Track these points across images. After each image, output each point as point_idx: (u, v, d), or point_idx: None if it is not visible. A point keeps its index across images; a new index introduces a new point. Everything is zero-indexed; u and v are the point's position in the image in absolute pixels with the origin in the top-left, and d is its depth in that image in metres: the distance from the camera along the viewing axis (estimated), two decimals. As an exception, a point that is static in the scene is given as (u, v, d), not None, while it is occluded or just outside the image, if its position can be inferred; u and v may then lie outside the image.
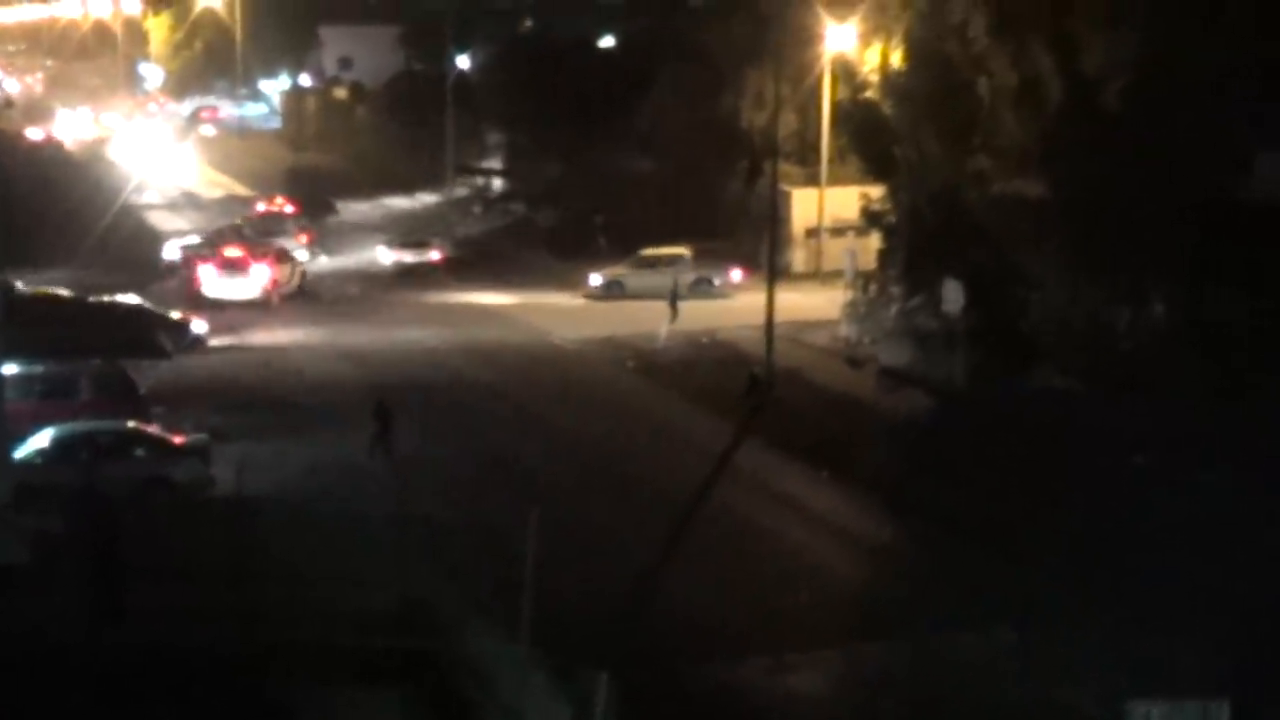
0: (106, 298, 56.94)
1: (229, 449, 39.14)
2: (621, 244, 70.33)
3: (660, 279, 64.66)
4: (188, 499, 36.36)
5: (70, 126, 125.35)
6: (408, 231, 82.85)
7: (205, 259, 65.72)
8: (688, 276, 64.97)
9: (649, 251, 67.73)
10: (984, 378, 47.01)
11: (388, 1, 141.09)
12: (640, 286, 65.44)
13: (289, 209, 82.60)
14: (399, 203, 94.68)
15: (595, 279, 66.92)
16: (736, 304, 61.51)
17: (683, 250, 67.40)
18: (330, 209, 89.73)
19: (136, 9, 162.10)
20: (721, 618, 30.23)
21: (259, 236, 72.00)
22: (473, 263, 76.16)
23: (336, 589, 29.55)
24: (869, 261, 57.31)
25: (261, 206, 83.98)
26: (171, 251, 71.26)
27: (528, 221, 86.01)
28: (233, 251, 66.09)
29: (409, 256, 75.82)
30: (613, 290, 66.23)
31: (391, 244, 77.50)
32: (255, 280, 64.03)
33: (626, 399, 49.05)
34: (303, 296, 66.37)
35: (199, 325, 55.77)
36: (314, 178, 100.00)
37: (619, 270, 67.27)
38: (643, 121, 78.82)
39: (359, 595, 29.28)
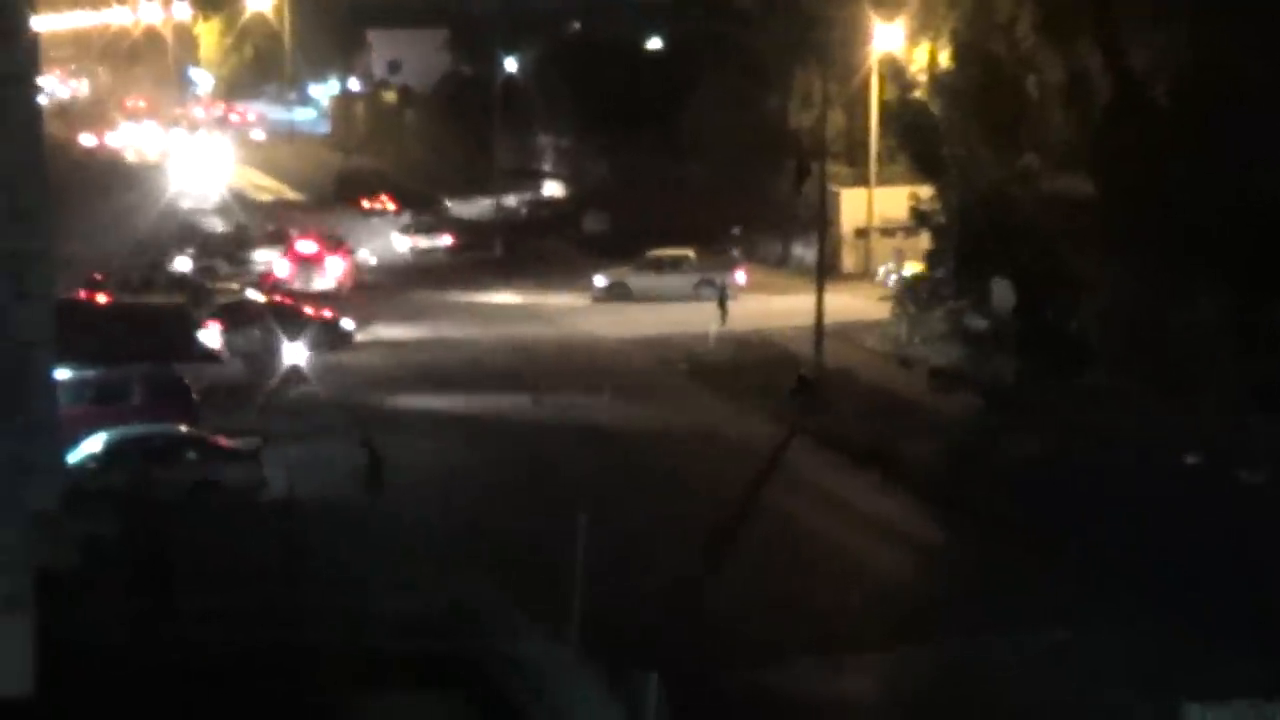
0: (153, 301, 57.38)
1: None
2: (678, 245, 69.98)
3: (665, 281, 64.76)
4: (239, 502, 36.46)
5: (133, 137, 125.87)
6: (422, 220, 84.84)
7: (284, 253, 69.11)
8: (691, 278, 64.92)
9: (655, 253, 67.65)
10: (1034, 378, 46.80)
11: (435, 5, 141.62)
12: (645, 288, 65.40)
13: (391, 207, 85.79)
14: (456, 206, 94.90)
15: (599, 281, 66.81)
16: (769, 306, 61.43)
17: (688, 252, 67.35)
18: (438, 206, 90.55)
19: (187, 15, 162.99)
20: (770, 619, 30.16)
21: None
22: (518, 263, 76.40)
23: (384, 592, 29.59)
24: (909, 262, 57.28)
25: (366, 205, 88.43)
26: (181, 264, 70.89)
27: (574, 223, 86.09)
28: (307, 245, 69.04)
29: (423, 241, 79.52)
30: (615, 292, 66.05)
31: (406, 230, 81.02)
32: (330, 272, 66.53)
33: (677, 400, 49.00)
34: (364, 290, 67.56)
35: (348, 322, 56.81)
36: (363, 182, 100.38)
37: (624, 272, 67.16)
38: (689, 123, 78.79)
39: (407, 598, 29.30)
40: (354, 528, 34.54)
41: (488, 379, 51.25)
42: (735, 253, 70.06)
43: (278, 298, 59.94)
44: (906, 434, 43.08)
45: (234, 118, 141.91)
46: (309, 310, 57.48)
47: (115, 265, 65.44)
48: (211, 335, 54.17)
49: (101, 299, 57.93)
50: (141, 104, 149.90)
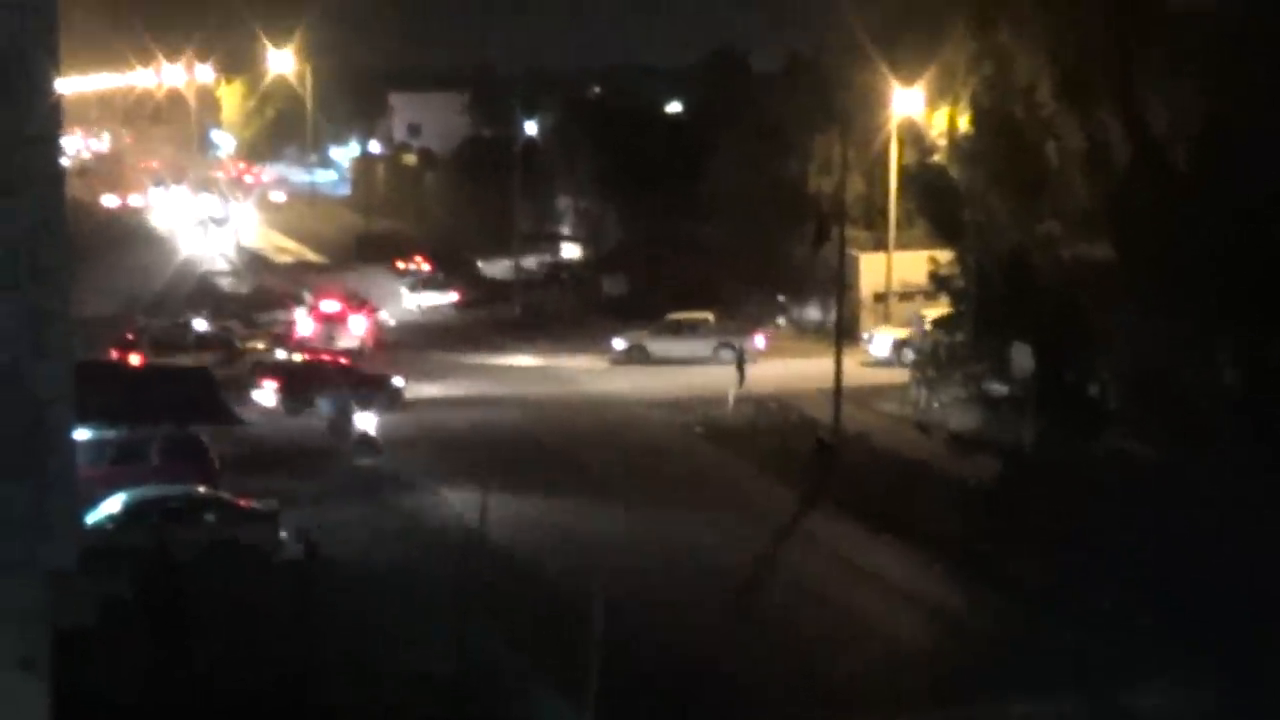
0: (175, 364, 57.56)
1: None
2: (689, 308, 70.14)
3: (683, 344, 64.88)
4: (256, 563, 36.46)
5: (161, 200, 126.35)
6: (428, 277, 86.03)
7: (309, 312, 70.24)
8: (709, 342, 65.03)
9: (673, 317, 67.75)
10: (1054, 442, 46.66)
11: (456, 68, 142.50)
12: (663, 351, 65.48)
13: (426, 267, 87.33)
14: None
15: (618, 343, 66.90)
16: (786, 370, 61.44)
17: (707, 315, 67.46)
18: (471, 267, 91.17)
19: (210, 77, 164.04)
20: (787, 683, 30.04)
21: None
22: (536, 324, 76.61)
23: (398, 652, 29.55)
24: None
25: (402, 265, 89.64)
26: (200, 323, 70.91)
27: (595, 286, 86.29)
28: (330, 304, 70.25)
29: (430, 298, 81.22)
30: (634, 355, 66.12)
31: (413, 287, 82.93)
32: (354, 330, 67.23)
33: (694, 463, 48.94)
34: (385, 349, 67.98)
35: (398, 380, 57.01)
36: (384, 244, 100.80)
37: (642, 335, 67.23)
38: (708, 187, 79.02)
39: (421, 658, 29.27)
40: (373, 588, 34.50)
41: (534, 453, 50.51)
42: (778, 318, 70.35)
43: (329, 356, 60.82)
44: (925, 498, 42.97)
45: (248, 179, 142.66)
46: (363, 368, 58.25)
47: (143, 325, 65.67)
48: (266, 395, 54.66)
49: (134, 359, 58.39)
50: (155, 164, 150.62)
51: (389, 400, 54.93)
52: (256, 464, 46.18)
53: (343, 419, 49.81)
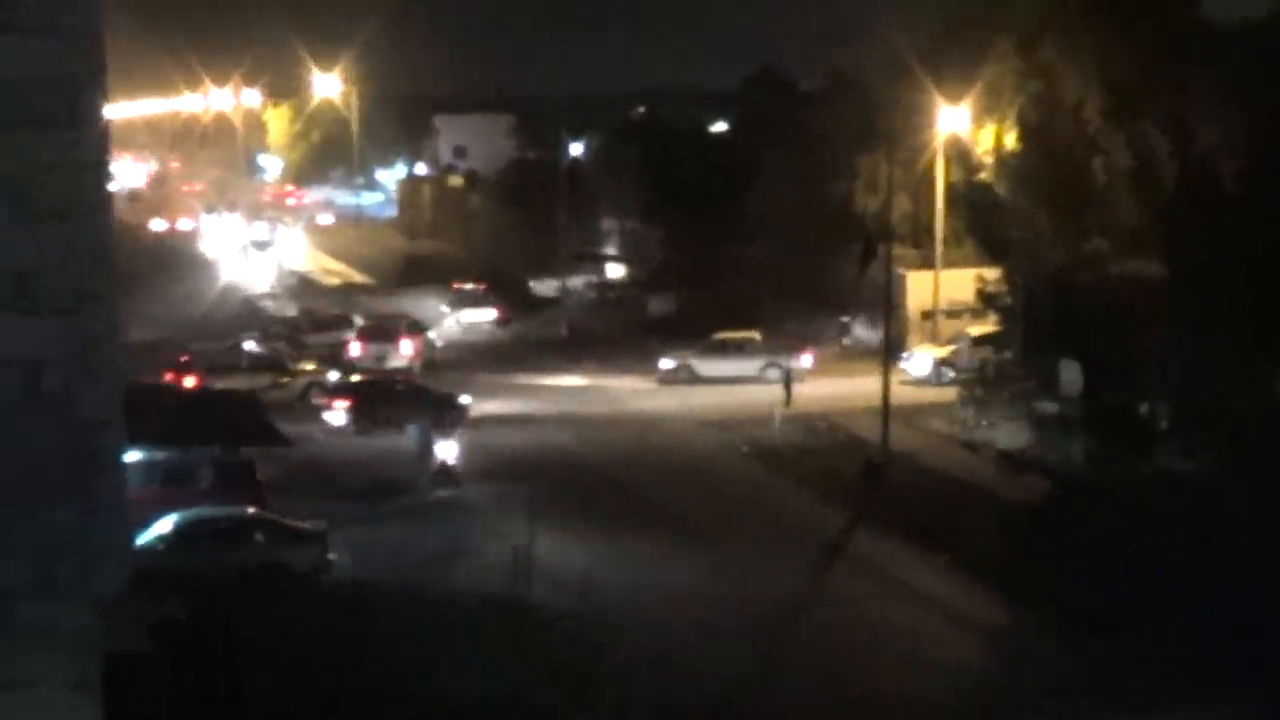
0: (222, 386, 57.90)
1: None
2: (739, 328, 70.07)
3: (730, 364, 64.78)
4: (305, 584, 36.54)
5: (209, 226, 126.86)
6: (469, 294, 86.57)
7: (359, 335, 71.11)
8: (757, 361, 64.91)
9: (720, 336, 67.64)
10: (1103, 461, 46.46)
11: (502, 91, 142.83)
12: (710, 371, 65.39)
13: (480, 287, 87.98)
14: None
15: (665, 363, 66.83)
16: (832, 389, 61.30)
17: (753, 335, 67.33)
18: (523, 287, 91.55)
19: (257, 101, 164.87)
20: (835, 706, 29.91)
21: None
22: (583, 345, 76.63)
23: (440, 676, 29.56)
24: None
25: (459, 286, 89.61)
26: (251, 346, 71.26)
27: (640, 306, 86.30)
28: (380, 324, 72.27)
29: (470, 315, 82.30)
30: (681, 374, 66.03)
31: (455, 305, 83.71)
32: (402, 351, 68.20)
33: (741, 483, 48.84)
34: (434, 369, 68.26)
35: (465, 398, 57.33)
36: (429, 266, 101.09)
37: (689, 355, 67.14)
38: (754, 206, 79.00)
39: (462, 683, 29.27)
40: (419, 611, 34.52)
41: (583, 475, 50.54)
42: (843, 338, 70.17)
43: (394, 375, 62.19)
44: (973, 518, 42.79)
45: (290, 201, 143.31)
46: (431, 387, 58.69)
47: (196, 348, 66.07)
48: (337, 415, 55.04)
49: (188, 381, 58.87)
50: (202, 189, 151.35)
51: (456, 419, 55.17)
52: (324, 487, 46.16)
53: (425, 448, 49.04)
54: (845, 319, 71.74)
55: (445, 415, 54.58)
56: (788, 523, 44.00)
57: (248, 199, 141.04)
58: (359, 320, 76.38)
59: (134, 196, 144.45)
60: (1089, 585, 36.27)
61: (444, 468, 47.57)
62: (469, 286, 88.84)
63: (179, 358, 62.64)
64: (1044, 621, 35.08)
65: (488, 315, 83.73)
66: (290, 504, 42.08)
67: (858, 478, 47.25)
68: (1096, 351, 47.48)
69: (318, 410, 57.29)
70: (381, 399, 56.11)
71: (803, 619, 35.55)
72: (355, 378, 60.59)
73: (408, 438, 50.79)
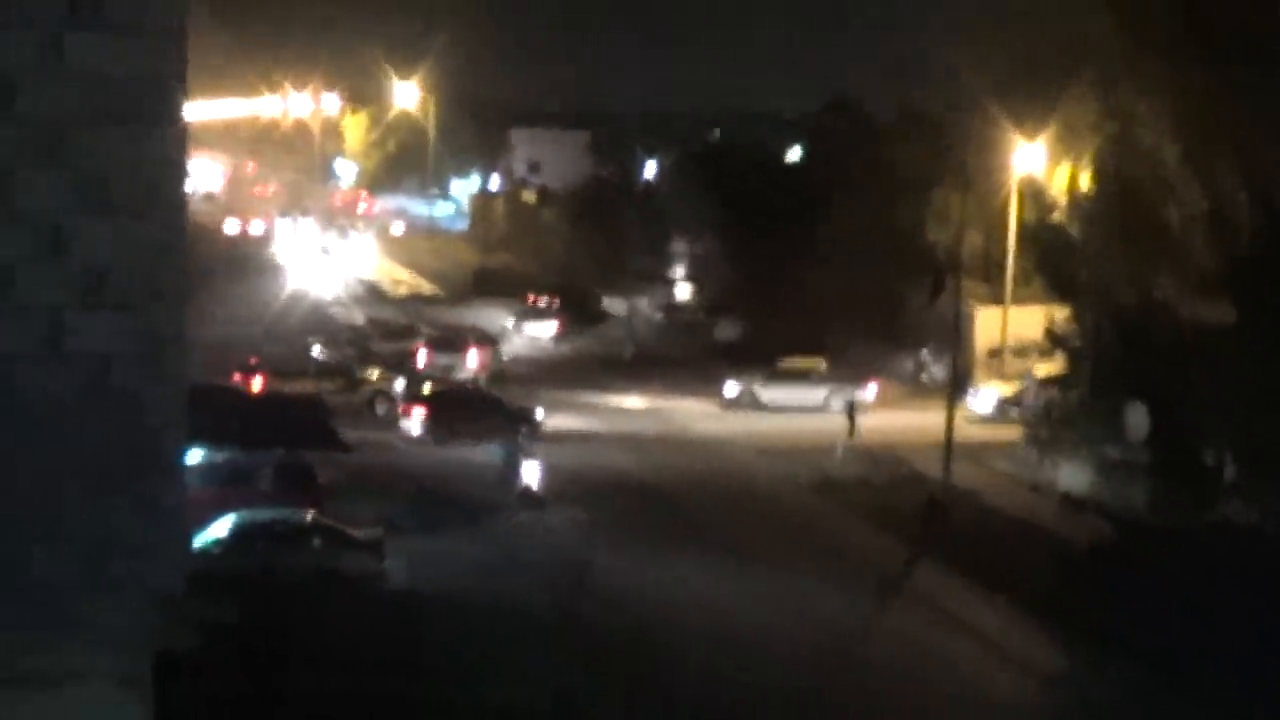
0: (287, 391, 58.21)
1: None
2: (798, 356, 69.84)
3: (795, 392, 64.57)
4: (358, 591, 36.61)
5: (282, 230, 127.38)
6: (531, 308, 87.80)
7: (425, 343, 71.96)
8: (821, 390, 64.65)
9: (785, 364, 67.41)
10: (1168, 507, 46.04)
11: (578, 108, 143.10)
12: (774, 399, 65.15)
13: (553, 302, 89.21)
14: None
15: (730, 388, 66.64)
16: (895, 421, 61.04)
17: (819, 363, 67.08)
18: (595, 303, 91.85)
19: (335, 108, 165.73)
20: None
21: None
22: (647, 366, 76.57)
23: (488, 687, 29.55)
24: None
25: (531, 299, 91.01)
26: (319, 351, 71.66)
27: (707, 330, 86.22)
28: (447, 336, 73.07)
29: (533, 328, 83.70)
30: (745, 401, 65.83)
31: (516, 318, 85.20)
32: (468, 362, 69.04)
33: (801, 513, 48.66)
34: (500, 380, 68.69)
35: (540, 412, 57.83)
36: (499, 279, 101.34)
37: (754, 381, 66.94)
38: (825, 234, 78.80)
39: (510, 694, 29.25)
40: (471, 621, 34.52)
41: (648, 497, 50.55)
42: (921, 370, 69.81)
43: (470, 385, 63.28)
44: (1034, 559, 42.48)
45: (362, 208, 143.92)
46: (505, 399, 59.22)
47: (265, 352, 66.48)
48: (414, 422, 55.55)
49: (256, 384, 59.26)
50: (276, 192, 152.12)
51: (530, 432, 55.50)
52: (388, 494, 46.17)
53: (510, 469, 48.53)
54: (923, 354, 71.19)
55: (520, 427, 55.19)
56: (847, 555, 43.79)
57: (320, 205, 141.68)
58: (426, 330, 76.62)
59: (209, 198, 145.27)
60: (1148, 630, 35.92)
61: (528, 492, 47.14)
62: (541, 300, 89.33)
63: (247, 360, 63.02)
64: (1101, 665, 34.78)
65: (548, 329, 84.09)
66: (351, 510, 42.19)
67: (919, 513, 46.99)
68: (1164, 396, 47.08)
69: (387, 418, 57.64)
70: (458, 410, 56.58)
71: (856, 652, 35.35)
72: (428, 388, 60.89)
73: (489, 454, 50.73)
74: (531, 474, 47.57)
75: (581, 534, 42.20)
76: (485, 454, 51.20)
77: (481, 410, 56.88)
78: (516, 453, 49.10)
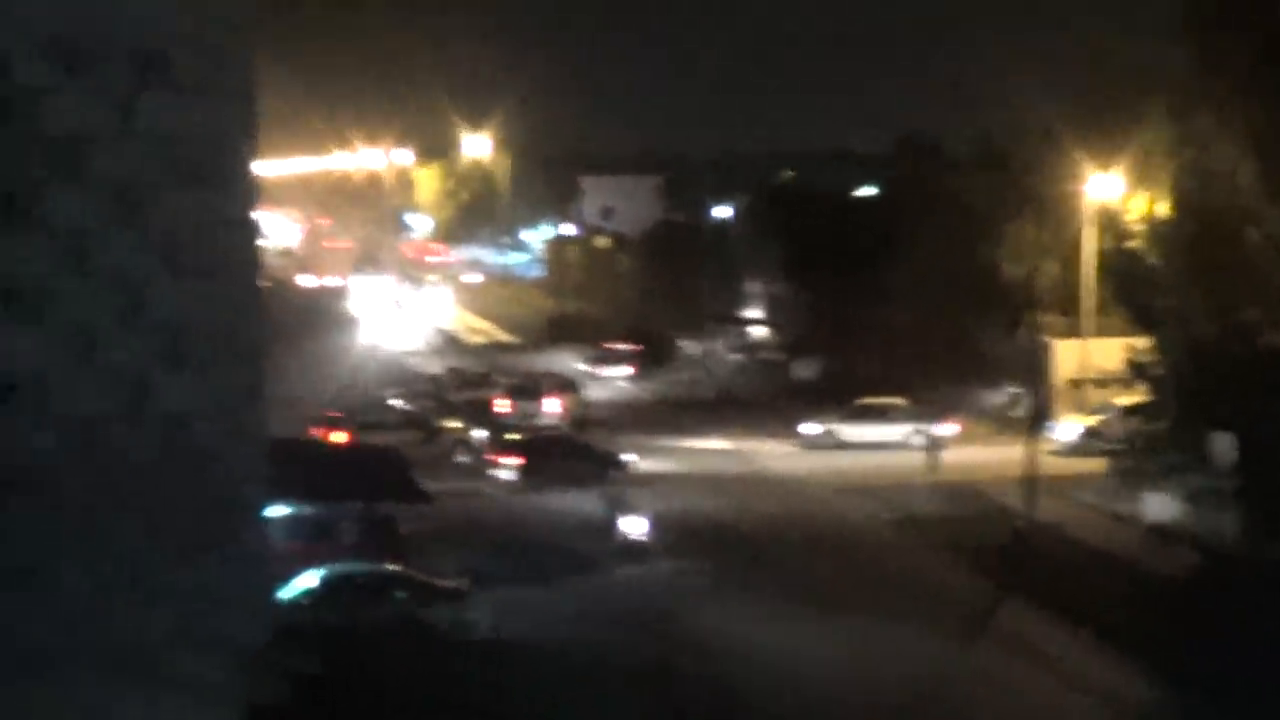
0: (367, 443, 58.48)
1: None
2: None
3: (875, 430, 64.35)
4: (444, 642, 36.60)
5: (357, 283, 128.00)
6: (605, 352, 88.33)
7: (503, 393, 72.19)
8: (901, 427, 64.39)
9: (865, 401, 67.20)
10: (1257, 538, 45.48)
11: (649, 153, 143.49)
12: (855, 437, 64.94)
13: (634, 349, 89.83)
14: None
15: (810, 428, 66.42)
16: (976, 457, 60.70)
17: (898, 400, 66.81)
18: (672, 346, 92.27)
19: (407, 160, 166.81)
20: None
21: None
22: (726, 408, 76.50)
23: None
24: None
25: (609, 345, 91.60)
26: (399, 402, 71.87)
27: (784, 371, 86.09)
28: (527, 384, 73.31)
29: (607, 371, 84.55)
30: (825, 440, 65.60)
31: (588, 361, 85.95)
32: (548, 408, 69.39)
33: (885, 550, 48.43)
34: (582, 426, 68.96)
35: (627, 456, 58.48)
36: (574, 326, 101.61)
37: (833, 420, 66.71)
38: (900, 271, 78.58)
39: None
40: (559, 672, 34.46)
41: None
42: (1013, 406, 69.24)
43: (558, 431, 63.96)
44: (1120, 592, 42.05)
45: (434, 259, 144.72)
46: (593, 445, 59.82)
47: (345, 404, 66.84)
48: (506, 470, 56.16)
49: (337, 437, 59.65)
50: (350, 246, 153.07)
51: (619, 477, 56.15)
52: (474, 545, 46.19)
53: (611, 520, 47.57)
54: (1015, 389, 70.28)
55: (608, 472, 55.97)
56: (931, 592, 43.51)
57: (394, 257, 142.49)
58: (505, 378, 76.82)
59: (284, 253, 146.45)
60: (1238, 664, 35.43)
61: (630, 544, 46.43)
62: (621, 346, 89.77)
63: (326, 413, 63.36)
64: (1190, 700, 34.35)
65: (623, 372, 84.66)
66: (435, 561, 42.22)
67: (1003, 548, 46.63)
68: (1250, 423, 46.58)
69: (469, 466, 57.89)
70: (549, 456, 57.05)
71: (939, 692, 35.06)
72: (518, 435, 61.30)
73: (588, 503, 50.55)
74: (634, 526, 46.90)
75: (675, 585, 42.09)
76: (580, 503, 51.20)
77: (571, 456, 57.34)
78: (617, 503, 48.46)
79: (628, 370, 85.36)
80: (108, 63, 9.93)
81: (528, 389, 72.67)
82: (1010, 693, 34.96)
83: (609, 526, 47.16)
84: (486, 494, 54.36)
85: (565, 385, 74.59)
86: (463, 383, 76.55)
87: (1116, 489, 53.01)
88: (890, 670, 36.08)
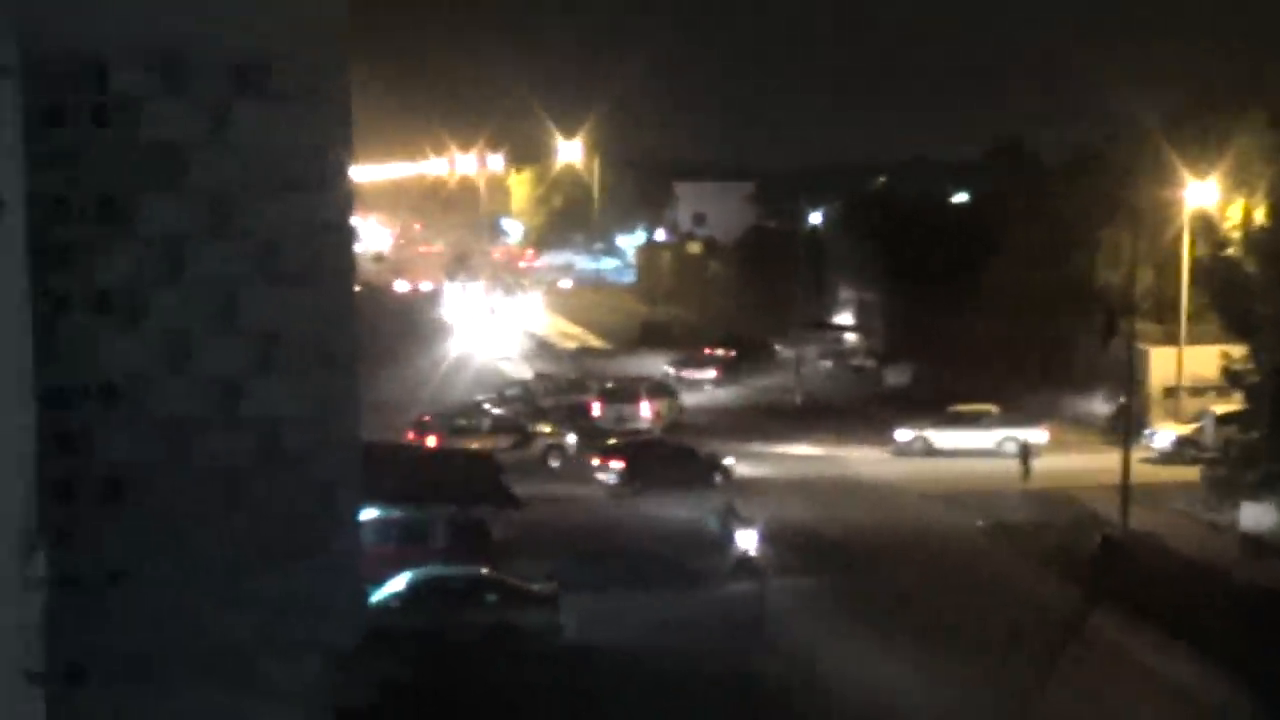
0: (459, 447, 58.75)
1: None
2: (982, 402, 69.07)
3: (966, 437, 63.99)
4: (534, 646, 36.70)
5: (451, 288, 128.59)
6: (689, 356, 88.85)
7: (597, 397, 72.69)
8: (993, 434, 63.99)
9: (956, 408, 66.79)
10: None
11: (742, 160, 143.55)
12: (946, 444, 64.57)
13: (730, 355, 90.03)
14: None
15: (901, 434, 66.07)
16: (1068, 464, 60.25)
17: (990, 407, 66.35)
18: (769, 351, 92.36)
19: (501, 166, 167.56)
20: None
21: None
22: (817, 414, 76.20)
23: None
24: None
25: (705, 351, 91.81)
26: (492, 408, 71.91)
27: (876, 377, 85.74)
28: (620, 388, 73.84)
29: (692, 374, 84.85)
30: (916, 446, 65.25)
31: (676, 365, 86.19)
32: (642, 413, 69.76)
33: (977, 558, 48.15)
34: (678, 429, 69.11)
35: (729, 460, 58.87)
36: (665, 331, 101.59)
37: (925, 426, 66.32)
38: (993, 278, 78.13)
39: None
40: (646, 677, 34.47)
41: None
42: (1118, 421, 68.63)
43: (661, 436, 64.21)
44: (1215, 603, 41.56)
45: (524, 264, 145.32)
46: (696, 449, 59.74)
47: (438, 409, 67.15)
48: (610, 473, 56.64)
49: (429, 441, 59.98)
50: (444, 251, 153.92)
51: (723, 480, 56.50)
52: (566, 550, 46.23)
53: (726, 533, 45.73)
54: (1109, 397, 69.55)
55: (712, 475, 56.54)
56: (1022, 601, 43.20)
57: (486, 262, 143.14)
58: (601, 383, 76.89)
59: (378, 258, 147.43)
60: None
61: (745, 559, 44.52)
62: (718, 352, 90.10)
63: (420, 418, 63.70)
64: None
65: (708, 375, 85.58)
66: (535, 568, 42.20)
67: (1096, 557, 46.25)
68: (1348, 433, 46.04)
69: (562, 471, 58.05)
70: (654, 460, 57.30)
71: (1034, 702, 34.83)
72: (619, 439, 61.88)
73: (698, 510, 50.36)
74: (749, 540, 45.02)
75: (753, 582, 41.95)
76: (683, 508, 51.17)
77: (675, 460, 57.70)
78: (731, 517, 46.98)
79: (711, 374, 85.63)
80: (205, 72, 10.10)
81: (622, 393, 72.89)
82: (1100, 702, 34.68)
83: (722, 540, 45.67)
84: (588, 497, 54.46)
85: (659, 390, 74.71)
86: (555, 388, 76.75)
87: (1211, 498, 52.50)
88: (983, 675, 35.89)
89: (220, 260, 9.84)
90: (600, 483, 56.75)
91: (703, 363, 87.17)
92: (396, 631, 34.46)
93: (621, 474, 56.50)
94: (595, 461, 58.25)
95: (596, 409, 70.58)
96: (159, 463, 10.23)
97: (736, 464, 59.58)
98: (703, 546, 46.12)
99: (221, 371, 9.91)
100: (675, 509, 51.68)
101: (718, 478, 56.95)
